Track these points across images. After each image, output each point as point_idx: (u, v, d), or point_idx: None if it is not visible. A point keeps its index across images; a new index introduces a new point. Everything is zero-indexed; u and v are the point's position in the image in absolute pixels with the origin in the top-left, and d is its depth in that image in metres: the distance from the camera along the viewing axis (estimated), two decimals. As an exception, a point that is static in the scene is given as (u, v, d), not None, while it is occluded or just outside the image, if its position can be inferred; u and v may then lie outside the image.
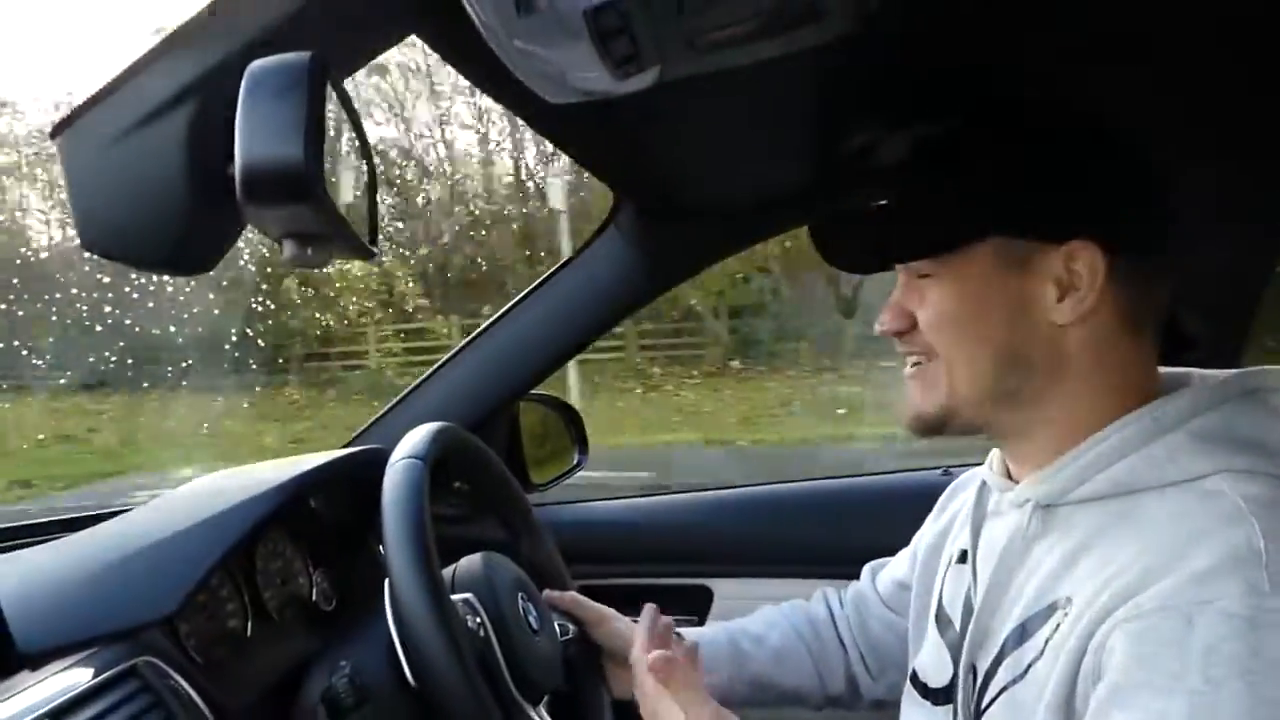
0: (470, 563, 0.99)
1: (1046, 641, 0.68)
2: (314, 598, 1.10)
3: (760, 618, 1.15)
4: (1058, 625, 0.67)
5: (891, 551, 1.11)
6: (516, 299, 1.43)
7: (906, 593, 1.01)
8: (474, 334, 1.45)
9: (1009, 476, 0.82)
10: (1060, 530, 0.72)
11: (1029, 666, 0.69)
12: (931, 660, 0.87)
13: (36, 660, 0.75)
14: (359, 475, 1.11)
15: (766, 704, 1.11)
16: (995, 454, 0.85)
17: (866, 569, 1.16)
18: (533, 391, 1.52)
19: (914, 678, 0.90)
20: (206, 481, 1.05)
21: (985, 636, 0.76)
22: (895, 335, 0.79)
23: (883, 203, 0.81)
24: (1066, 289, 0.71)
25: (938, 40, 0.77)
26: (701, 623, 1.50)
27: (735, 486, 1.65)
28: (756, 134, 1.02)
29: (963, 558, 0.86)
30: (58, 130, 0.61)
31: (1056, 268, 0.71)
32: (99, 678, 0.73)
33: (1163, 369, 0.80)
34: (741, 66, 0.79)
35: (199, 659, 0.84)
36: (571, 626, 1.10)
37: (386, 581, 0.84)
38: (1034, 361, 0.73)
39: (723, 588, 1.53)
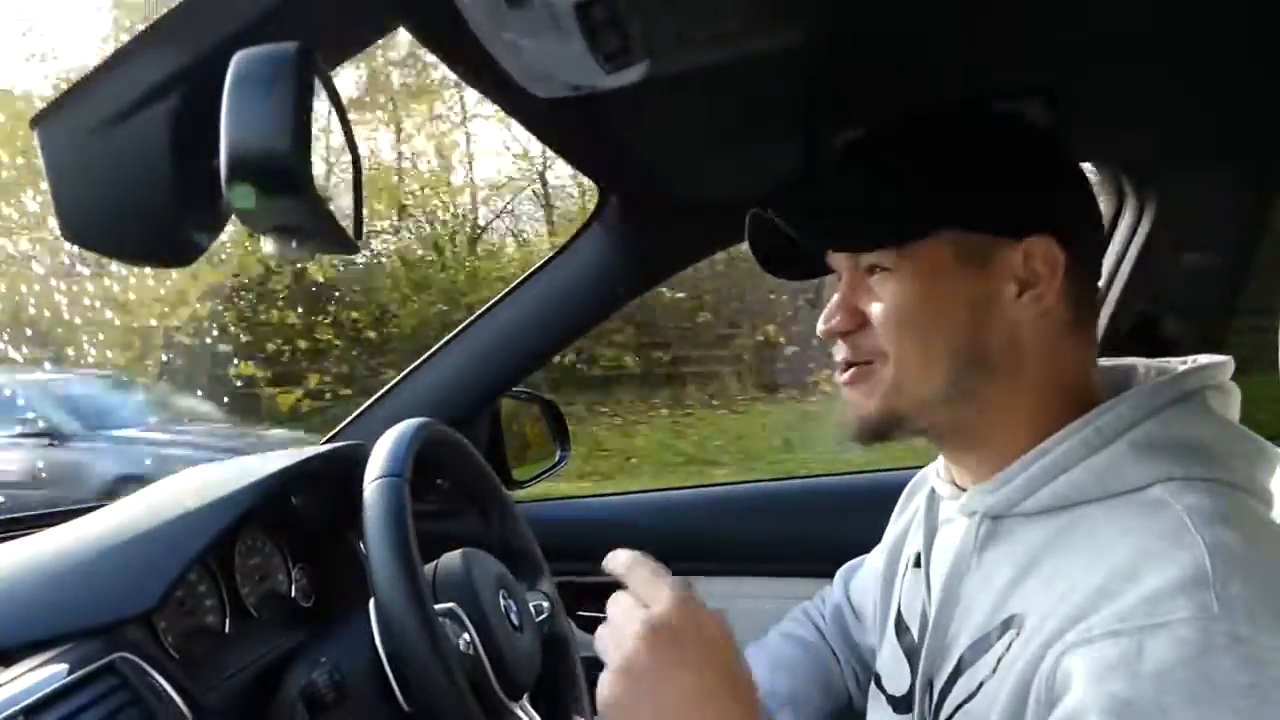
0: (450, 563, 0.98)
1: (999, 660, 0.67)
2: (293, 594, 1.09)
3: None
4: (1009, 644, 0.66)
5: (873, 549, 1.11)
6: (501, 294, 1.43)
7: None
8: (458, 329, 1.44)
9: (955, 483, 0.80)
10: (1009, 543, 0.71)
11: (981, 685, 0.68)
12: (891, 665, 0.85)
13: (11, 655, 0.74)
14: (339, 472, 1.10)
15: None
16: (941, 459, 0.83)
17: (839, 575, 1.13)
18: (516, 388, 1.51)
19: (877, 680, 0.88)
20: (185, 476, 1.04)
21: (941, 650, 0.75)
22: (841, 336, 0.76)
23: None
24: (1025, 285, 0.70)
25: (908, 38, 0.77)
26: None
27: (716, 485, 1.66)
28: (742, 129, 1.02)
29: (917, 561, 0.85)
30: (38, 120, 0.60)
31: (1015, 264, 0.70)
32: (75, 674, 0.72)
33: (1106, 361, 0.79)
34: (727, 61, 0.80)
35: (177, 655, 0.83)
36: (545, 605, 1.10)
37: (372, 603, 0.84)
38: (994, 361, 0.71)
39: (704, 586, 1.52)
